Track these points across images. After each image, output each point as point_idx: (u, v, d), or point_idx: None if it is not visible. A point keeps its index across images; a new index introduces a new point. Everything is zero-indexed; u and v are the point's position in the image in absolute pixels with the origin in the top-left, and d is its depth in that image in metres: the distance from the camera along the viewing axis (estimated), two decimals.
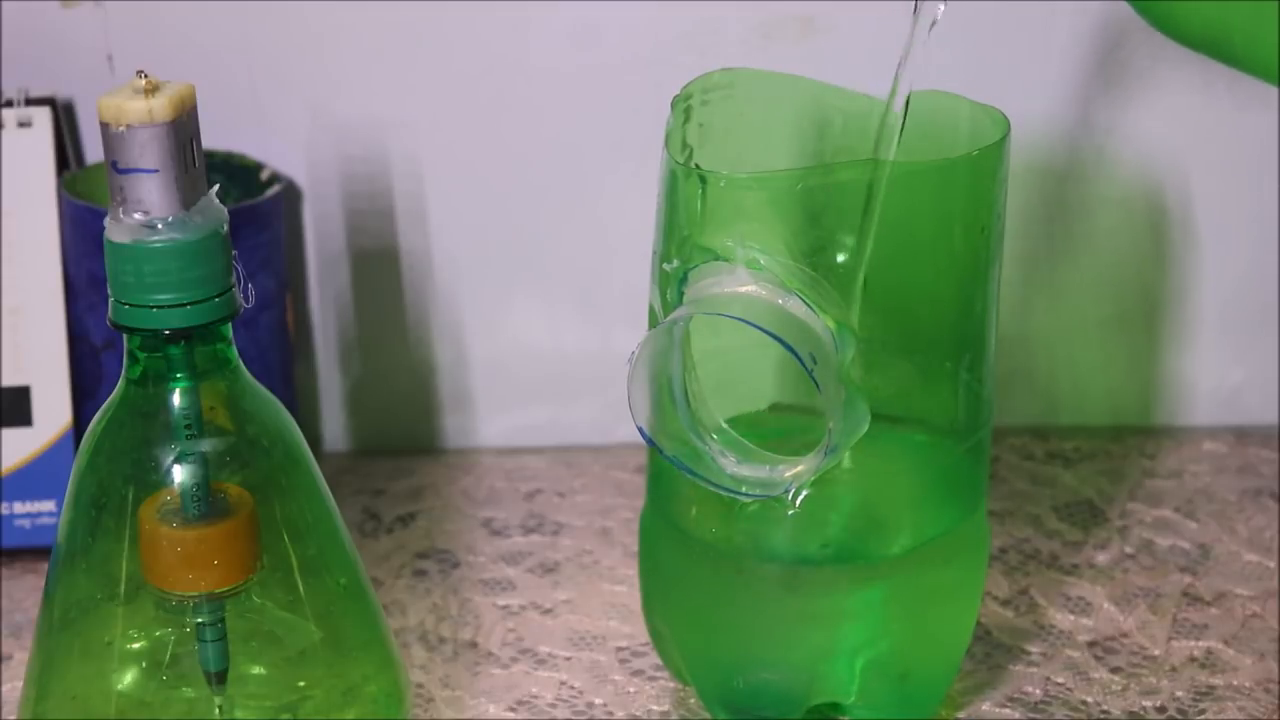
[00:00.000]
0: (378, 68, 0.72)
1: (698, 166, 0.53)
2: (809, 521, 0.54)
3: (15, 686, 0.60)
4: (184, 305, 0.47)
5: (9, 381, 0.68)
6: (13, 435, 0.68)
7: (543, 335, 0.76)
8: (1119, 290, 0.76)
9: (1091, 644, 0.63)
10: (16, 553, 0.69)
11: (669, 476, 0.56)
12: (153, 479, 0.49)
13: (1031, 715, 0.59)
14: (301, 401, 0.76)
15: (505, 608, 0.66)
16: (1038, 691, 0.60)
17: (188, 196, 0.46)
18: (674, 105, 0.54)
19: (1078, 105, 0.73)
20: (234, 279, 0.48)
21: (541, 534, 0.71)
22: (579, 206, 0.74)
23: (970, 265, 0.53)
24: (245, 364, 0.50)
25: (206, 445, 0.49)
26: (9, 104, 0.69)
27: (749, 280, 0.51)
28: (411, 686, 0.60)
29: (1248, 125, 0.73)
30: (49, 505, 0.68)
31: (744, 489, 0.53)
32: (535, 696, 0.61)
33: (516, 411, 0.78)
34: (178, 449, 0.48)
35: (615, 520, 0.71)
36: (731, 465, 0.53)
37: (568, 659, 0.63)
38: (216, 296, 0.47)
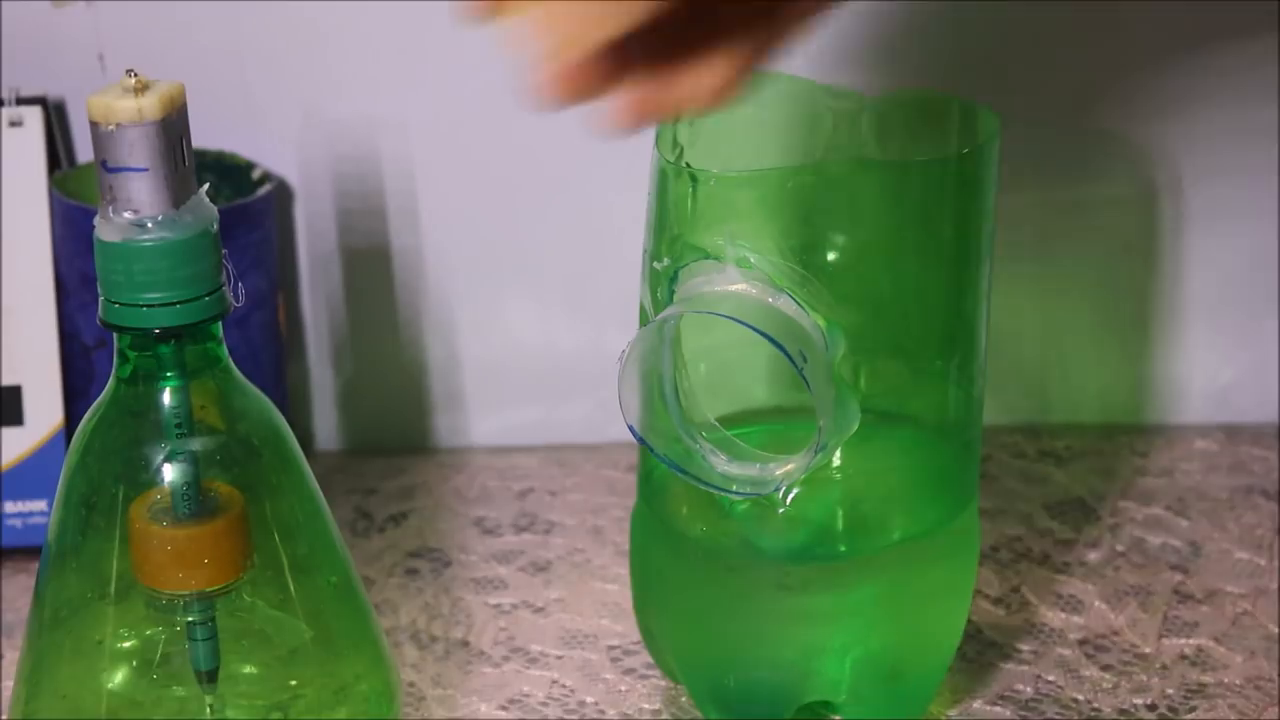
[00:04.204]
0: (369, 67, 0.72)
1: (688, 165, 0.53)
2: (799, 519, 0.54)
3: (6, 686, 0.60)
4: (174, 304, 0.47)
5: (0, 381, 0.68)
6: (4, 434, 0.68)
7: (534, 334, 0.76)
8: (1110, 288, 0.76)
9: (1082, 642, 0.63)
10: (9, 552, 0.69)
11: (660, 475, 0.56)
12: (143, 478, 0.48)
13: (1022, 713, 0.59)
14: (293, 400, 0.76)
15: (497, 606, 0.66)
16: (1029, 690, 0.60)
17: (177, 195, 0.46)
18: None
19: (1068, 103, 0.73)
20: (224, 278, 0.48)
21: (533, 533, 0.71)
22: (570, 205, 0.74)
23: (961, 263, 0.53)
24: (237, 363, 0.50)
25: (197, 444, 0.49)
26: (0, 103, 0.69)
27: (739, 279, 0.51)
28: (403, 685, 0.61)
29: (1241, 124, 0.73)
30: (41, 504, 0.68)
31: (734, 487, 0.53)
32: (527, 695, 0.61)
33: (508, 410, 0.78)
34: (168, 448, 0.48)
35: (607, 519, 0.71)
36: (722, 464, 0.53)
37: (559, 658, 0.63)
38: (206, 295, 0.47)
